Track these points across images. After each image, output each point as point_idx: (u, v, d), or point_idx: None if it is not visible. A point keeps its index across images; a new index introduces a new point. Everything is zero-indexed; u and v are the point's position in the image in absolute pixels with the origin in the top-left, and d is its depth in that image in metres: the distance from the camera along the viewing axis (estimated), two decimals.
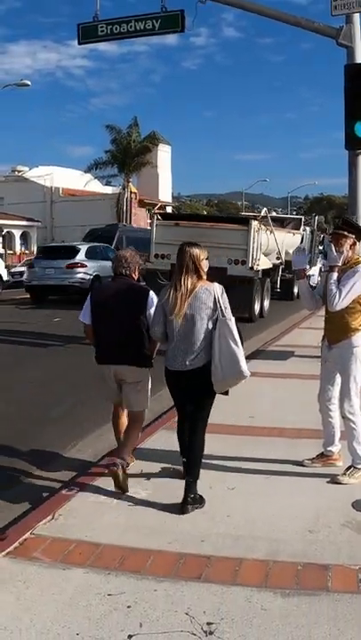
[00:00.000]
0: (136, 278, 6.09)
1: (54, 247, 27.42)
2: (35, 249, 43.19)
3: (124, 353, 5.76)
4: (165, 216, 20.86)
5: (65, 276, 22.42)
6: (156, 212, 19.94)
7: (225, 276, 14.71)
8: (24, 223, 50.06)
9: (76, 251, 23.55)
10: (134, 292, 5.88)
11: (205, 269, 5.35)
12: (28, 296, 23.80)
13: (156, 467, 6.04)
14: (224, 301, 5.28)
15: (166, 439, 6.83)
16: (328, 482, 5.64)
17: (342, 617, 3.56)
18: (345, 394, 5.72)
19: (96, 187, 59.88)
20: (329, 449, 6.10)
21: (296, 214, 59.85)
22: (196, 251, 5.31)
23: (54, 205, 59.24)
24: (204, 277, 5.34)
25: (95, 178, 57.96)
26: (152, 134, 58.71)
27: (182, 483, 5.29)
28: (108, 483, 5.56)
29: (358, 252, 6.03)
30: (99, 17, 13.96)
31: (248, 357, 11.66)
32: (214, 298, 5.24)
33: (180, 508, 5.06)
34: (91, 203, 58.42)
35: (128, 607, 3.68)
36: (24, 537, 4.58)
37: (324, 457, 6.10)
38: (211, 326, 5.21)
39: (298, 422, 7.52)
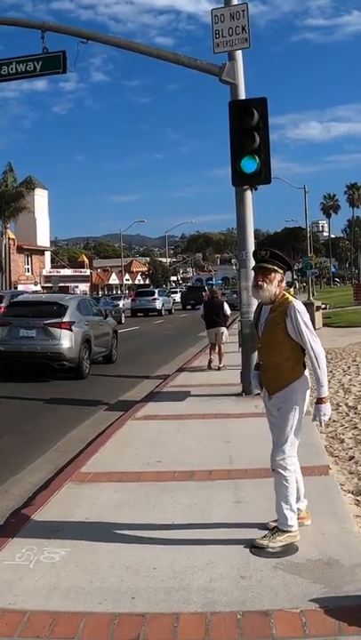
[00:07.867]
0: (219, 297, 18.61)
1: None
2: None
3: (219, 323, 16.89)
4: None
5: None
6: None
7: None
8: None
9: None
10: (220, 302, 17.68)
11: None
12: None
13: (71, 524, 5.73)
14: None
15: (74, 494, 6.57)
16: (247, 548, 4.97)
17: None
18: (280, 444, 5.14)
19: None
20: (297, 507, 5.24)
21: (174, 253, 70.62)
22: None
23: None
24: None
25: None
26: (28, 179, 58.49)
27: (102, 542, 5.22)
28: (22, 545, 5.23)
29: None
30: None
31: (143, 400, 11.62)
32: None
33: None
34: None
35: None
36: None
37: None
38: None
39: (207, 464, 7.41)
